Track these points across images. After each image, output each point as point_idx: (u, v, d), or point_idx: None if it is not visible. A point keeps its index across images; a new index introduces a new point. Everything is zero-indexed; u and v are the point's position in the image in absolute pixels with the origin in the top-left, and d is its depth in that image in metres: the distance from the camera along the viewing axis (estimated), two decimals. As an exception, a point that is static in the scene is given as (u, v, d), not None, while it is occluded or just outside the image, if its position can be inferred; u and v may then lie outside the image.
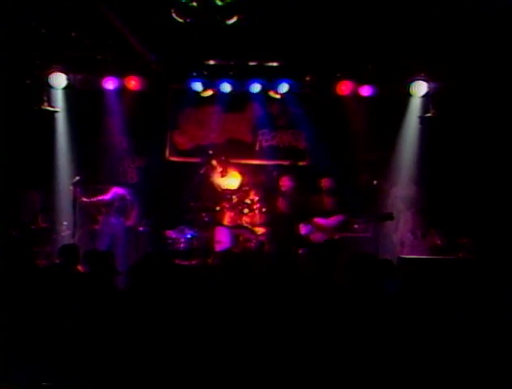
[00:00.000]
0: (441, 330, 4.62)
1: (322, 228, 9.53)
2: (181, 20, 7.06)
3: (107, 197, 9.83)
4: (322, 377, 4.31)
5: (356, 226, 9.92)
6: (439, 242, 9.41)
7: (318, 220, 9.58)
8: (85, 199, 9.69)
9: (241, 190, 10.47)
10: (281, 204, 9.78)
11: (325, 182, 9.72)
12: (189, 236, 10.02)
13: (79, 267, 6.63)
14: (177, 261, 9.25)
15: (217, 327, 4.51)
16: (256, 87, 10.70)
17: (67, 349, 4.43)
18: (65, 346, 4.45)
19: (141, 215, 10.23)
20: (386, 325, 4.56)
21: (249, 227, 10.07)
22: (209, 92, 10.90)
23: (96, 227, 9.95)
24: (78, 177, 9.62)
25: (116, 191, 9.91)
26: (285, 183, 9.92)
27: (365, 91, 10.63)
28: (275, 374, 4.30)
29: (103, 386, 4.24)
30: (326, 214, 9.60)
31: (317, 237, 9.53)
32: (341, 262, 8.91)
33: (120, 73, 10.57)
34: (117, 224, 9.83)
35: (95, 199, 9.84)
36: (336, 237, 9.52)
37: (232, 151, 10.97)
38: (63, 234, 9.94)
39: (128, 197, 9.97)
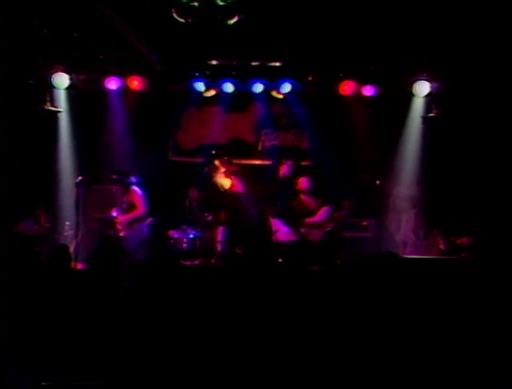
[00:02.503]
0: (444, 330, 4.62)
1: (316, 225, 9.70)
2: (182, 20, 7.07)
3: (141, 211, 9.77)
4: (325, 376, 4.32)
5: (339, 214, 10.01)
6: (441, 242, 9.40)
7: (309, 220, 9.78)
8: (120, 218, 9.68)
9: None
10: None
11: (301, 183, 9.99)
12: (191, 236, 10.00)
13: (76, 266, 6.65)
14: (179, 261, 9.25)
15: (220, 327, 4.51)
16: (258, 87, 10.71)
17: (68, 349, 4.44)
18: (65, 346, 4.46)
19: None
20: (388, 325, 4.56)
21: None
22: (211, 92, 10.91)
23: (122, 234, 9.71)
24: (80, 177, 9.62)
25: (144, 200, 9.84)
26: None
27: (368, 91, 10.63)
28: (278, 373, 4.30)
29: (103, 386, 4.24)
30: (311, 213, 9.86)
31: (315, 235, 9.70)
32: (341, 258, 9.06)
33: (122, 73, 10.58)
34: (147, 232, 9.84)
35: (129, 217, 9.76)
36: (329, 228, 9.68)
37: (234, 151, 10.97)
38: (66, 234, 9.95)
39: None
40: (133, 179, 9.93)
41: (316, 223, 9.85)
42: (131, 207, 9.76)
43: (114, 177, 10.01)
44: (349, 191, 10.19)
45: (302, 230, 9.82)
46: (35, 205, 10.10)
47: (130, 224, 9.72)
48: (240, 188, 10.11)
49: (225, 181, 10.60)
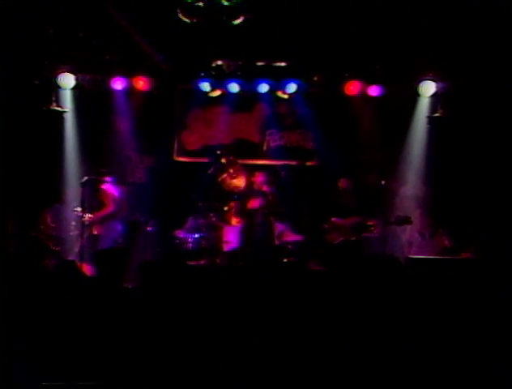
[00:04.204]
0: (449, 329, 4.62)
1: (339, 227, 9.68)
2: (187, 20, 7.07)
3: (110, 209, 9.75)
4: (331, 376, 4.32)
5: (373, 228, 9.91)
6: (447, 242, 9.39)
7: (336, 220, 9.76)
8: (89, 215, 9.58)
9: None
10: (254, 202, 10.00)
11: (342, 183, 10.04)
12: (197, 236, 10.01)
13: (86, 268, 6.64)
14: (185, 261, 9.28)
15: (224, 326, 4.52)
16: (264, 87, 10.72)
17: (68, 349, 4.45)
18: (66, 346, 4.47)
19: (148, 215, 10.23)
20: (394, 325, 4.57)
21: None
22: (217, 92, 10.92)
23: (96, 232, 9.63)
24: (86, 177, 9.63)
25: (114, 198, 9.80)
26: (258, 179, 10.18)
27: (373, 91, 10.63)
28: (282, 372, 4.30)
29: (104, 386, 4.25)
30: (343, 214, 9.82)
31: (334, 237, 9.69)
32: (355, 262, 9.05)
33: (128, 73, 10.60)
34: (121, 230, 9.78)
35: (98, 215, 9.65)
36: (352, 238, 9.62)
37: (239, 151, 10.97)
38: (71, 234, 9.96)
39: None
40: (108, 179, 9.91)
41: (339, 225, 9.83)
42: (101, 205, 9.75)
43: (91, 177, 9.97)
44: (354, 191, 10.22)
45: (325, 226, 9.84)
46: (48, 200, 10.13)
47: (100, 221, 9.67)
48: (246, 188, 10.14)
49: (231, 181, 10.63)
